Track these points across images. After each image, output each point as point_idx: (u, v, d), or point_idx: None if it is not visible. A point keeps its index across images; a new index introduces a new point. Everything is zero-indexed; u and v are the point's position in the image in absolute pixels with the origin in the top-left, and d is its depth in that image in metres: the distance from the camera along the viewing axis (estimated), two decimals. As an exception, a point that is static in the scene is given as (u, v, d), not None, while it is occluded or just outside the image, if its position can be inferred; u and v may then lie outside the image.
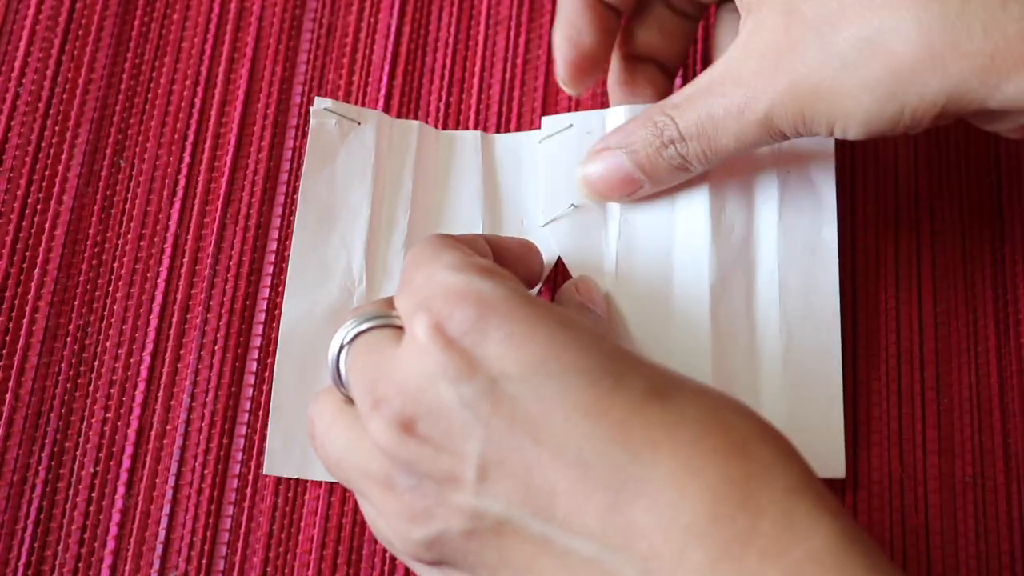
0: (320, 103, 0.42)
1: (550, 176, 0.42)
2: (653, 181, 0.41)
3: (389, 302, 0.35)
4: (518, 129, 0.45)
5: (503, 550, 0.31)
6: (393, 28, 0.46)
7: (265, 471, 0.39)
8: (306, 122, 0.45)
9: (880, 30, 0.34)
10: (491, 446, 0.31)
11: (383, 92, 0.45)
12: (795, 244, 0.42)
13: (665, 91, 0.44)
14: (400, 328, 0.33)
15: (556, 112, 0.45)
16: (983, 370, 0.42)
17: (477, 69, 0.46)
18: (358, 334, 0.34)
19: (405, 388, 0.31)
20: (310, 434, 0.35)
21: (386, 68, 0.46)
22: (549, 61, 0.46)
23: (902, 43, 0.34)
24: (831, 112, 0.36)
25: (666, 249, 0.41)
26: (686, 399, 0.31)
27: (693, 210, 0.41)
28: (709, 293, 0.40)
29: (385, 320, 0.34)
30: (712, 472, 0.29)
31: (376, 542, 0.39)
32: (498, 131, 0.45)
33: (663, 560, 0.29)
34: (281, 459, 0.39)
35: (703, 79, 0.38)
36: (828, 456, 0.39)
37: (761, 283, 0.41)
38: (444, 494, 0.31)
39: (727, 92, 0.37)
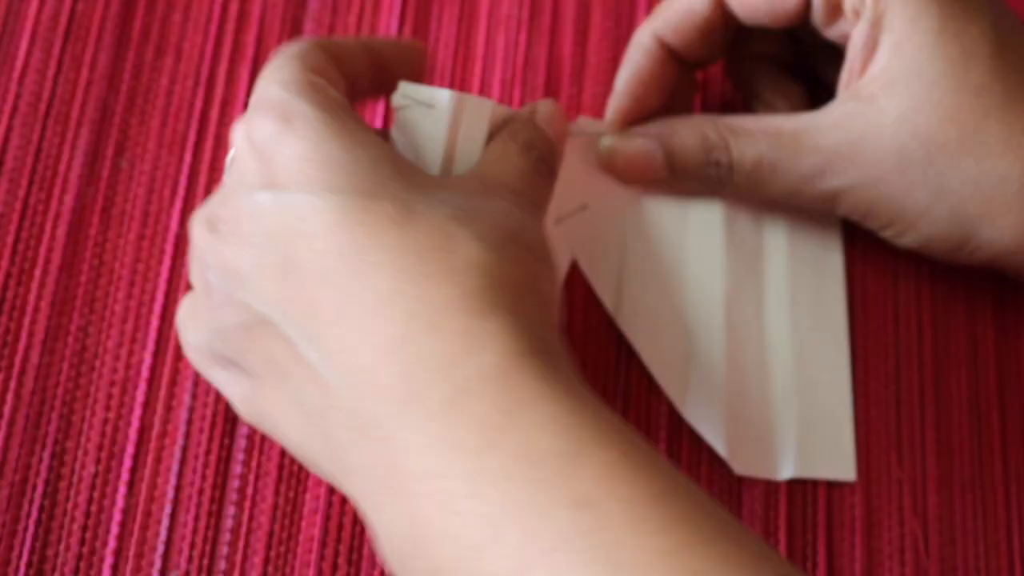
0: (404, 89, 0.40)
1: (563, 174, 0.41)
2: (673, 183, 0.41)
3: None
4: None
5: (267, 346, 0.34)
6: (393, 29, 0.46)
7: None
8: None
9: (989, 174, 0.36)
10: (260, 251, 0.33)
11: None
12: (804, 254, 0.42)
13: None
14: None
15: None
16: (983, 370, 0.42)
17: (477, 69, 0.46)
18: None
19: (221, 191, 0.35)
20: None
21: (387, 68, 0.46)
22: (549, 61, 0.46)
23: (1004, 190, 0.36)
24: (900, 218, 0.38)
25: (678, 254, 0.41)
26: (428, 224, 0.32)
27: (708, 218, 0.41)
28: (724, 299, 0.40)
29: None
30: (413, 295, 0.31)
31: (377, 542, 0.39)
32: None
33: (360, 378, 0.31)
34: None
35: (782, 123, 0.39)
36: (838, 460, 0.40)
37: (770, 292, 0.41)
38: (228, 289, 0.34)
39: (801, 153, 0.38)
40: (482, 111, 0.37)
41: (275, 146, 0.33)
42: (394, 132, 0.37)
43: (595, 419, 0.30)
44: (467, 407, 0.30)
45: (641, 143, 0.41)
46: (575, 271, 0.41)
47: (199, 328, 0.37)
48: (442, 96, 0.36)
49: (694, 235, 0.41)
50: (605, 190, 0.42)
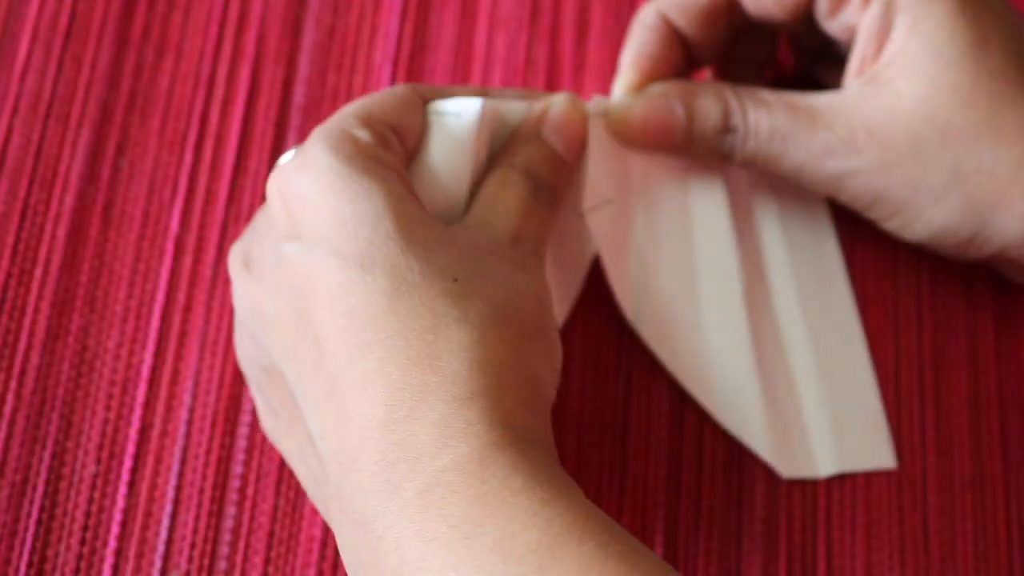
0: (432, 107, 0.39)
1: (592, 160, 0.40)
2: (687, 147, 0.40)
3: None
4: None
5: (281, 394, 0.35)
6: (393, 28, 0.46)
7: None
8: (307, 123, 0.45)
9: (1004, 160, 0.36)
10: (281, 301, 0.33)
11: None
12: (801, 246, 0.42)
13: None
14: None
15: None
16: (983, 370, 0.42)
17: (477, 69, 0.46)
18: None
19: (258, 224, 0.36)
20: None
21: (386, 68, 0.46)
22: (549, 61, 0.46)
23: (1018, 177, 0.36)
24: (912, 205, 0.37)
25: (691, 259, 0.41)
26: (413, 302, 0.32)
27: (715, 218, 0.41)
28: (742, 301, 0.40)
29: None
30: (396, 379, 0.31)
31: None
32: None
33: (346, 457, 0.31)
34: None
35: (799, 99, 0.38)
36: (876, 449, 0.40)
37: (777, 289, 0.41)
38: (255, 330, 0.35)
39: (815, 128, 0.38)
40: (513, 116, 0.36)
41: (292, 194, 0.34)
42: (424, 149, 0.36)
43: (571, 509, 0.29)
44: (442, 499, 0.29)
45: (662, 103, 0.39)
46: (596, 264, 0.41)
47: (240, 347, 0.38)
48: (471, 105, 0.36)
49: (704, 240, 0.41)
50: (628, 187, 0.41)
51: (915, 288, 0.43)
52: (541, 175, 0.37)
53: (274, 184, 0.35)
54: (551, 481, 0.30)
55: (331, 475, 0.32)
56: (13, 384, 0.40)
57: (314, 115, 0.45)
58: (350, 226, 0.32)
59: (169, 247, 0.43)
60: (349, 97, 0.45)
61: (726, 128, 0.39)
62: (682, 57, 0.41)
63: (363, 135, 0.34)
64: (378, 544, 0.30)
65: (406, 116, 0.35)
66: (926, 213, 0.37)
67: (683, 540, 0.39)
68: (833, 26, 0.39)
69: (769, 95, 0.39)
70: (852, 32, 0.39)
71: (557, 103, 0.38)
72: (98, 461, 0.40)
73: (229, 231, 0.43)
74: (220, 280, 0.42)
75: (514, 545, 0.29)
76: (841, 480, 0.40)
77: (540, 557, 0.28)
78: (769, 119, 0.38)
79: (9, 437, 0.40)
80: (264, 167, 0.44)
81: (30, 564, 0.38)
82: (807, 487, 0.40)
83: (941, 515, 0.40)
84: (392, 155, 0.34)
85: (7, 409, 0.40)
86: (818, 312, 0.41)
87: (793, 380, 0.40)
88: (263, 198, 0.43)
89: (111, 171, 0.44)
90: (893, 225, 0.39)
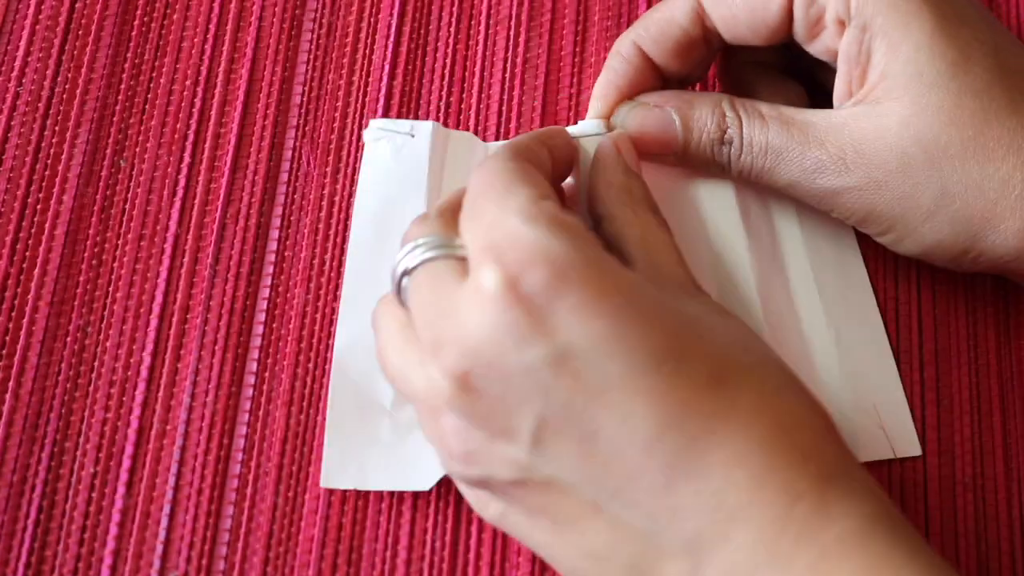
0: (375, 124, 0.42)
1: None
2: (684, 159, 0.40)
3: (452, 221, 0.34)
4: (517, 131, 0.45)
5: (549, 501, 0.32)
6: (393, 28, 0.46)
7: (322, 484, 0.39)
8: (306, 122, 0.45)
9: (991, 177, 0.36)
10: (549, 413, 0.31)
11: (383, 92, 0.45)
12: (819, 240, 0.42)
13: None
14: (463, 259, 0.33)
15: (556, 111, 0.45)
16: (983, 370, 0.42)
17: (477, 69, 0.46)
18: (423, 261, 0.33)
19: (467, 340, 0.31)
20: (375, 335, 0.35)
21: (386, 68, 0.46)
22: (550, 61, 0.46)
23: (1007, 194, 0.36)
24: (902, 222, 0.38)
25: (705, 258, 0.41)
26: (742, 385, 0.32)
27: (726, 216, 0.41)
28: (758, 295, 0.40)
29: (450, 250, 0.33)
30: (756, 461, 0.31)
31: (377, 540, 0.39)
32: (497, 132, 0.45)
33: (706, 541, 0.31)
34: (337, 473, 0.39)
35: (793, 113, 0.39)
36: (901, 437, 0.40)
37: (796, 281, 0.41)
38: (494, 445, 0.32)
39: (807, 145, 0.38)
40: (468, 145, 0.37)
41: (548, 299, 0.31)
42: (364, 169, 0.36)
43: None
44: (830, 573, 0.30)
45: (659, 114, 0.40)
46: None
47: (442, 454, 0.34)
48: (423, 126, 0.36)
49: (717, 236, 0.41)
50: None
51: (915, 288, 0.43)
52: (637, 190, 0.38)
53: (504, 287, 0.31)
54: (925, 551, 0.31)
55: (664, 543, 0.31)
56: (11, 384, 0.40)
57: (312, 114, 0.45)
58: (639, 323, 0.31)
59: (168, 247, 0.43)
60: (348, 97, 0.45)
61: (722, 140, 0.39)
62: (657, 84, 0.42)
63: (569, 226, 0.32)
64: None
65: (557, 170, 0.37)
66: (918, 229, 0.38)
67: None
68: (814, 48, 0.40)
69: (766, 108, 0.39)
70: (834, 54, 0.39)
71: (616, 135, 0.40)
72: (96, 461, 0.40)
73: (227, 230, 0.43)
74: (219, 279, 0.42)
75: None
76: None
77: None
78: (763, 133, 0.39)
79: (7, 437, 0.40)
80: (262, 166, 0.44)
81: (28, 564, 0.38)
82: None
83: (941, 515, 0.40)
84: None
85: (5, 409, 0.40)
86: (839, 306, 0.41)
87: (816, 373, 0.40)
88: (262, 198, 0.43)
89: (110, 170, 0.44)
90: (886, 240, 0.39)
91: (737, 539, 0.30)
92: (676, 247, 0.37)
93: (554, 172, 0.38)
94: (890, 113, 0.37)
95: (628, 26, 0.46)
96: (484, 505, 0.35)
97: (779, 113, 0.39)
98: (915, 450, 0.40)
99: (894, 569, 0.30)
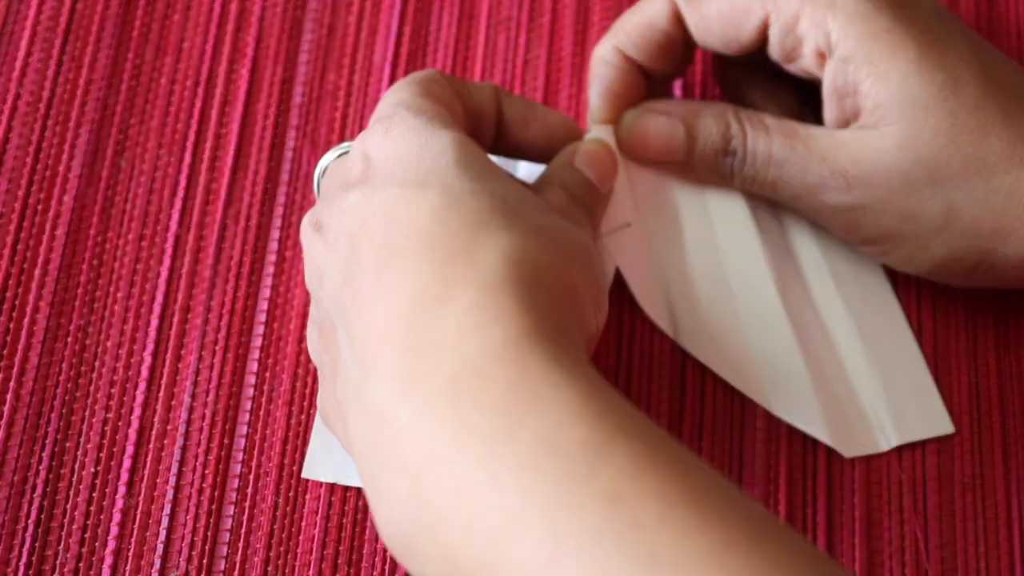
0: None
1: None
2: (687, 167, 0.41)
3: None
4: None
5: (329, 346, 0.34)
6: (393, 29, 0.46)
7: (303, 475, 0.39)
8: (307, 122, 0.45)
9: (997, 190, 0.37)
10: (337, 249, 0.33)
11: (383, 92, 0.45)
12: (832, 238, 0.42)
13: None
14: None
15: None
16: (983, 370, 0.42)
17: (477, 69, 0.46)
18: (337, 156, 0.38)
19: (324, 194, 0.37)
20: None
21: (386, 68, 0.46)
22: (549, 61, 0.46)
23: (1015, 204, 0.37)
24: (913, 238, 0.38)
25: (719, 259, 0.41)
26: (467, 212, 0.32)
27: (735, 214, 0.41)
28: (775, 288, 0.40)
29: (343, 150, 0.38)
30: (427, 273, 0.31)
31: (377, 540, 0.39)
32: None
33: (367, 355, 0.31)
34: (321, 464, 0.39)
35: (797, 128, 0.39)
36: (932, 418, 0.40)
37: (810, 272, 0.42)
38: (315, 289, 0.35)
39: (810, 161, 0.38)
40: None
41: (374, 150, 0.34)
42: None
43: (615, 408, 0.29)
44: (477, 387, 0.29)
45: (664, 122, 0.40)
46: (622, 283, 0.41)
47: (309, 332, 0.38)
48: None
49: (728, 236, 0.41)
50: (649, 208, 0.42)
51: (915, 288, 0.43)
52: (576, 192, 0.38)
53: (358, 144, 0.35)
54: (591, 378, 0.29)
55: (351, 379, 0.31)
56: (12, 384, 0.40)
57: (313, 115, 0.45)
58: (414, 160, 0.33)
59: (168, 247, 0.43)
60: (349, 97, 0.45)
61: (726, 151, 0.39)
62: (645, 84, 0.42)
63: (431, 104, 0.35)
64: (401, 437, 0.29)
65: (454, 96, 0.37)
66: (928, 245, 0.38)
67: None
68: (790, 69, 0.40)
69: (772, 121, 0.39)
70: (812, 77, 0.39)
71: (587, 141, 0.40)
72: (97, 461, 0.40)
73: (228, 231, 0.43)
74: (219, 280, 0.42)
75: (560, 440, 0.28)
76: (840, 481, 0.40)
77: (590, 454, 0.27)
78: (767, 146, 0.39)
79: (8, 437, 0.40)
80: (263, 166, 0.44)
81: (28, 564, 0.38)
82: (807, 488, 0.40)
83: (941, 515, 0.40)
84: (457, 121, 0.36)
85: (6, 409, 0.40)
86: (855, 292, 0.41)
87: (842, 362, 0.40)
88: (263, 198, 0.43)
89: (110, 170, 0.44)
90: (897, 259, 0.39)
91: (387, 354, 0.30)
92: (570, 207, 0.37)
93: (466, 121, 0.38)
94: (888, 136, 0.37)
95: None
96: (321, 386, 0.37)
97: (784, 126, 0.39)
98: (947, 428, 0.40)
99: (551, 385, 0.29)
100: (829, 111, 0.39)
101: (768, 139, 0.39)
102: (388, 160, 0.34)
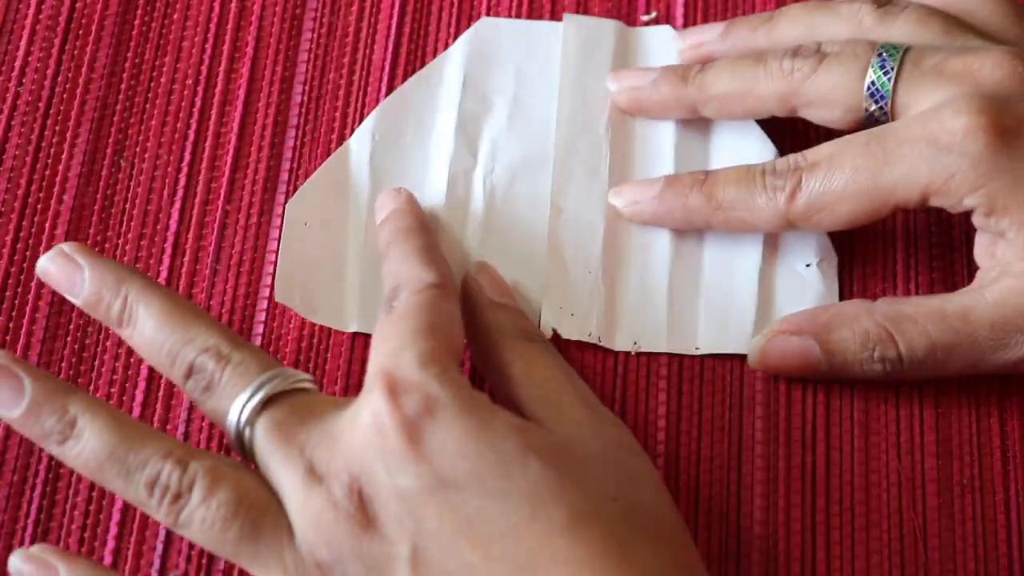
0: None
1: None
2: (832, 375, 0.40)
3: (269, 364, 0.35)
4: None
5: None
6: (393, 28, 0.46)
7: (276, 298, 0.41)
8: (306, 122, 0.45)
9: None
10: (424, 543, 0.32)
11: (383, 92, 0.45)
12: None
13: None
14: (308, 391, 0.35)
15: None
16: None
17: (477, 68, 0.46)
18: (275, 395, 0.34)
19: (351, 461, 0.33)
20: None
21: (386, 68, 0.46)
22: (549, 60, 0.46)
23: None
24: None
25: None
26: (596, 533, 0.32)
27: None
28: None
29: (299, 380, 0.35)
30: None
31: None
32: (498, 131, 0.45)
33: None
34: (287, 289, 0.41)
35: (942, 304, 0.38)
36: (737, 336, 0.41)
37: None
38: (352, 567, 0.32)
39: (976, 331, 0.38)
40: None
41: (423, 431, 0.32)
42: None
43: None
44: None
45: (799, 342, 0.39)
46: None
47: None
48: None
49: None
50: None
51: (915, 289, 0.43)
52: (524, 328, 0.39)
53: (402, 428, 0.32)
54: None
55: None
56: (12, 384, 0.40)
57: (313, 114, 0.45)
58: (498, 468, 0.32)
59: (168, 247, 0.43)
60: (348, 96, 0.45)
61: (871, 360, 0.39)
62: None
63: (457, 371, 0.34)
64: None
65: (459, 332, 0.37)
66: None
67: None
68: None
69: (912, 308, 0.38)
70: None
71: (477, 269, 0.41)
72: (97, 461, 0.40)
73: (228, 230, 0.43)
74: (219, 279, 0.42)
75: None
76: (840, 481, 0.40)
77: None
78: (923, 338, 0.38)
79: (7, 437, 0.40)
80: (263, 165, 0.44)
81: (28, 564, 0.38)
82: (806, 489, 0.40)
83: (941, 516, 0.40)
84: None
85: (6, 409, 0.40)
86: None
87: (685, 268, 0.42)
88: (263, 197, 0.43)
89: (110, 170, 0.44)
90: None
91: None
92: (558, 365, 0.38)
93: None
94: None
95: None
96: None
97: (928, 308, 0.38)
98: (743, 348, 0.41)
99: None
100: (980, 249, 0.39)
101: (921, 330, 0.38)
102: (458, 460, 0.32)
